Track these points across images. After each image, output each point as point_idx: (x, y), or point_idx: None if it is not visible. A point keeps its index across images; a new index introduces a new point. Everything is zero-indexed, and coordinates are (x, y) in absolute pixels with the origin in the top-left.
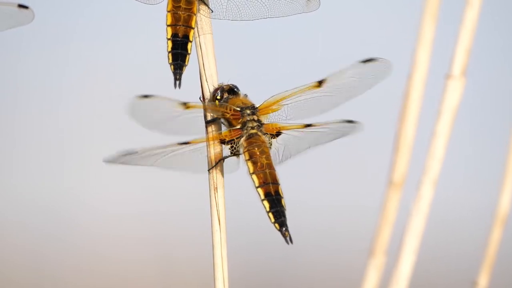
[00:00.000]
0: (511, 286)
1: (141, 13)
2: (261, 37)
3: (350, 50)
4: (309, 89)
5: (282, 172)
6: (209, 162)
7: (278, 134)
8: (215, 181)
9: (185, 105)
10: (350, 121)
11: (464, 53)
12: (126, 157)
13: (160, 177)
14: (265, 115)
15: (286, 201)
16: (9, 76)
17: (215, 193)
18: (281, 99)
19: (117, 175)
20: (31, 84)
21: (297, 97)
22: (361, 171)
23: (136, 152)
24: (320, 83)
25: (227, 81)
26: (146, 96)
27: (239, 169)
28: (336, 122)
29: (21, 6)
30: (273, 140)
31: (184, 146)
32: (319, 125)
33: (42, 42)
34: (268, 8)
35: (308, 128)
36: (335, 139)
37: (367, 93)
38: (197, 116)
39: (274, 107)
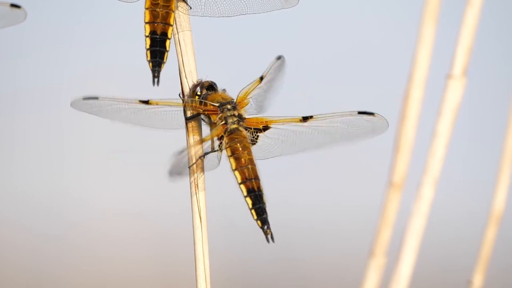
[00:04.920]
0: (506, 286)
1: (141, 13)
2: (239, 33)
3: (350, 49)
4: (257, 84)
5: (279, 171)
6: (190, 159)
7: (265, 128)
8: (195, 178)
9: (147, 102)
10: (362, 113)
11: (465, 53)
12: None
13: (160, 177)
14: (243, 109)
15: (284, 201)
16: (9, 76)
17: (196, 190)
18: (248, 92)
19: (117, 175)
20: (31, 84)
21: (256, 89)
22: (362, 171)
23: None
24: (261, 78)
25: (205, 78)
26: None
27: (223, 166)
28: (349, 115)
29: (13, 5)
30: (261, 134)
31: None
32: (323, 118)
33: (42, 42)
34: (246, 4)
35: (309, 121)
36: (359, 137)
37: (369, 93)
38: (167, 110)
39: (245, 100)
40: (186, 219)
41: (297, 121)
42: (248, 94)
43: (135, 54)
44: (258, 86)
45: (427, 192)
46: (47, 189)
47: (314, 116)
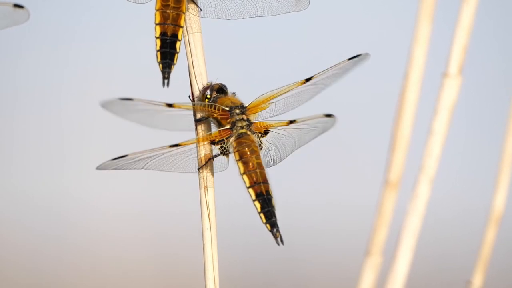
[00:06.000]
0: (505, 286)
1: (141, 13)
2: (250, 35)
3: (345, 49)
4: (296, 86)
5: (279, 171)
6: (199, 161)
7: (266, 132)
8: (205, 179)
9: (171, 105)
10: (327, 115)
11: (460, 51)
12: (117, 162)
13: (160, 177)
14: (253, 114)
15: (283, 201)
16: (9, 76)
17: (205, 192)
18: (270, 98)
19: (116, 175)
20: (31, 84)
21: (285, 94)
22: (361, 171)
23: (126, 156)
24: (307, 80)
25: (215, 80)
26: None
27: (228, 168)
28: (314, 118)
29: (16, 5)
30: (263, 139)
31: (174, 148)
32: (301, 121)
33: (42, 42)
34: (257, 7)
35: (292, 124)
36: (316, 136)
37: (364, 92)
38: (183, 113)
39: (263, 105)
40: (186, 219)
41: (285, 124)
42: (270, 99)
43: (135, 54)
44: (300, 87)
45: (423, 191)
46: (47, 189)
47: (297, 120)
